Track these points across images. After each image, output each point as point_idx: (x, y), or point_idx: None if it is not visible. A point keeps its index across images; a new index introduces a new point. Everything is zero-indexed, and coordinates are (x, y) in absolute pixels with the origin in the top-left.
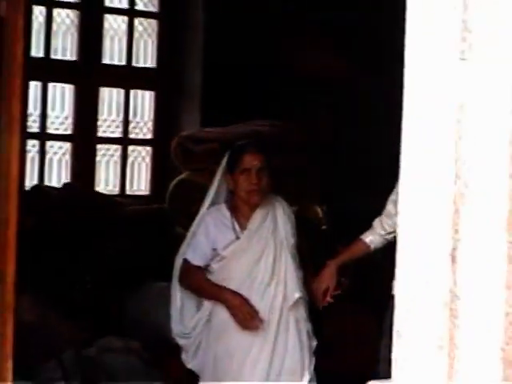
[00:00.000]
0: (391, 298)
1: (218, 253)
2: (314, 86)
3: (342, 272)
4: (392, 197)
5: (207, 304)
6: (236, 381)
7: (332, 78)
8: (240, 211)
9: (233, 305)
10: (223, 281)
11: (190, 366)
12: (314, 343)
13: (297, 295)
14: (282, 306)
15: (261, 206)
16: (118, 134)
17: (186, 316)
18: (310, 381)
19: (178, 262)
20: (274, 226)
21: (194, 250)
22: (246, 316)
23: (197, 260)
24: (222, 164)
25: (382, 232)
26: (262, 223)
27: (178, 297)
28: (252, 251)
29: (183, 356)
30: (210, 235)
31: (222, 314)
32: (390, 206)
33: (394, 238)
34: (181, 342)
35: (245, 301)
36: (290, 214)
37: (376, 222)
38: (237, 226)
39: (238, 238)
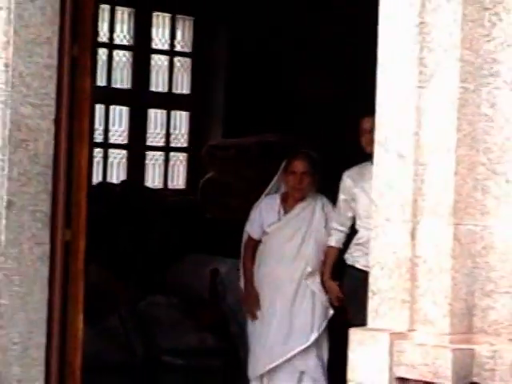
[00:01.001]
0: (347, 267)
1: (264, 229)
2: (317, 106)
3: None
4: (341, 197)
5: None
6: (262, 324)
7: (331, 101)
8: (287, 201)
9: (245, 295)
10: (269, 251)
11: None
12: (331, 312)
13: (309, 269)
14: (301, 279)
15: (305, 200)
16: (161, 143)
17: None
18: (319, 339)
19: (244, 236)
20: (311, 217)
21: (251, 224)
22: (246, 305)
23: (252, 232)
24: (282, 166)
25: (345, 229)
26: (300, 212)
27: None
28: (286, 231)
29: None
30: (262, 215)
31: (257, 282)
32: (343, 206)
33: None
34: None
35: (252, 297)
36: (328, 212)
37: (335, 225)
38: (282, 211)
39: (279, 219)
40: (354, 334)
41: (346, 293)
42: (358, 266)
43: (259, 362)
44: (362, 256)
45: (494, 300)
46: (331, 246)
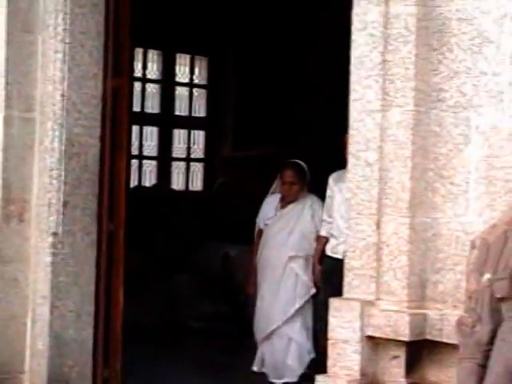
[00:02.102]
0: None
1: (265, 221)
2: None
3: None
4: (328, 193)
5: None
6: (260, 299)
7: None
8: (284, 200)
9: (247, 282)
10: (267, 239)
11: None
12: (313, 290)
13: (291, 253)
14: (287, 261)
15: (296, 200)
16: (183, 155)
17: None
18: (300, 308)
19: (256, 227)
20: (299, 214)
21: (258, 217)
22: (250, 282)
23: (260, 224)
24: (279, 174)
25: (331, 219)
26: (291, 210)
27: None
28: (279, 224)
29: None
30: (265, 210)
31: (260, 263)
32: (329, 201)
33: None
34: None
35: (250, 277)
36: (316, 209)
37: (324, 217)
38: (278, 208)
39: (276, 214)
40: (333, 303)
41: (322, 275)
42: (328, 252)
43: (260, 328)
44: (332, 244)
45: (441, 275)
46: (321, 236)
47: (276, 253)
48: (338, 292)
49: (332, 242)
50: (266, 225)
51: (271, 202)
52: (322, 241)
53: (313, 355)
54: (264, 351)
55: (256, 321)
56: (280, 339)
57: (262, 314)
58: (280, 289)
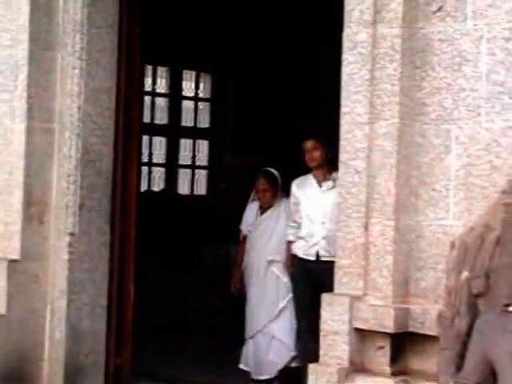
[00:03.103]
0: (292, 256)
1: (247, 227)
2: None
3: None
4: (291, 200)
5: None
6: (249, 300)
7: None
8: (262, 207)
9: (234, 275)
10: (250, 244)
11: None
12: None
13: (269, 257)
14: (267, 265)
15: (272, 206)
16: (189, 162)
17: None
18: (283, 308)
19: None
20: (277, 218)
21: (242, 224)
22: (233, 280)
23: (244, 230)
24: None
25: (297, 225)
26: (270, 215)
27: None
28: (259, 230)
29: None
30: (248, 216)
31: (246, 267)
32: (293, 207)
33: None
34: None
35: (235, 278)
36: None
37: (290, 222)
38: (258, 214)
39: (256, 220)
40: (325, 298)
41: (291, 276)
42: (299, 255)
43: (248, 329)
44: (303, 247)
45: (423, 273)
46: (290, 241)
47: (257, 258)
48: (316, 290)
49: (302, 243)
50: (249, 231)
51: (252, 208)
52: (292, 245)
53: (293, 353)
54: (249, 349)
55: (246, 321)
56: (263, 338)
57: (250, 316)
58: (264, 292)
